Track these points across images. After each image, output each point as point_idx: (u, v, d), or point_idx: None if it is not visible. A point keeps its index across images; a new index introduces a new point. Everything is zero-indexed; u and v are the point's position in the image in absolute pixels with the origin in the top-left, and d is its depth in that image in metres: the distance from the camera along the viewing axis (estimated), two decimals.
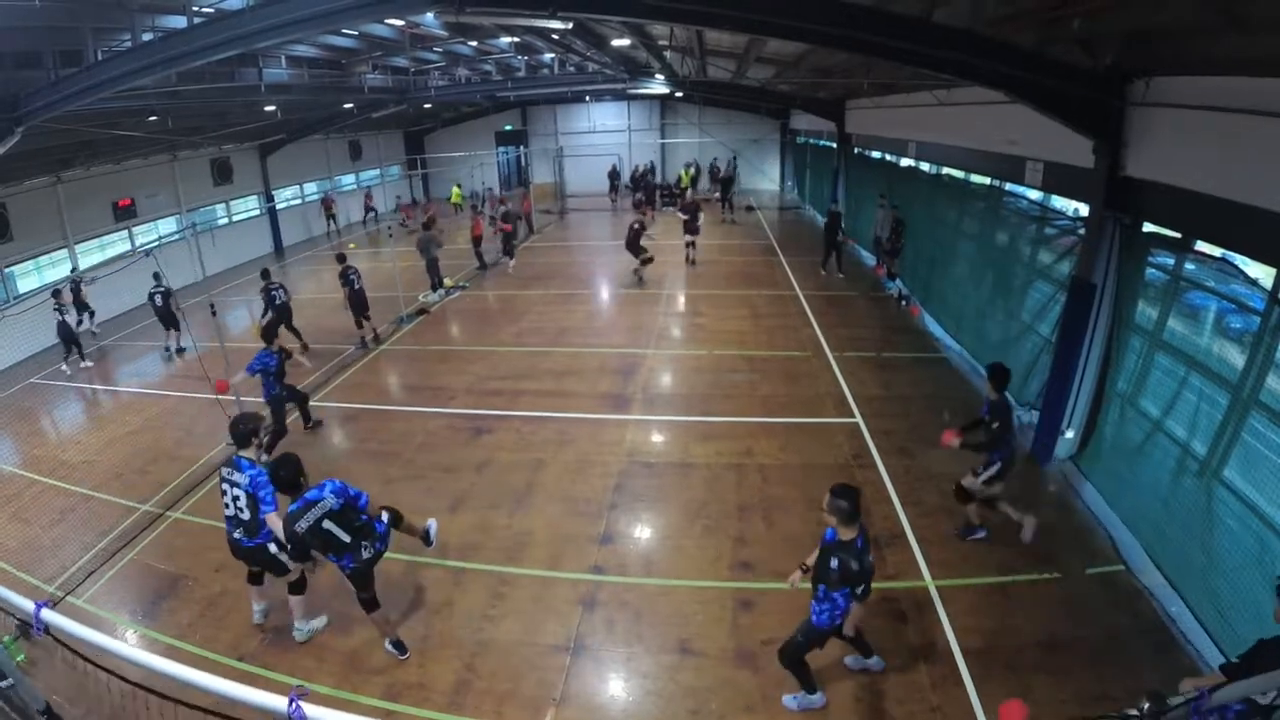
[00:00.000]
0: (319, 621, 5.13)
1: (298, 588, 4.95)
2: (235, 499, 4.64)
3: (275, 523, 4.60)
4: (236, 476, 4.59)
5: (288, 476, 4.23)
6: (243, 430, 4.65)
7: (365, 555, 4.45)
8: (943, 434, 5.55)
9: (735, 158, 25.80)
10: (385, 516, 4.67)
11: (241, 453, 4.65)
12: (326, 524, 4.22)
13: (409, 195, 28.62)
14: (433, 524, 5.20)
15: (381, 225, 24.40)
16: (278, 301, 10.80)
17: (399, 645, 4.81)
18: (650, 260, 14.49)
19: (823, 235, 14.79)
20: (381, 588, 5.49)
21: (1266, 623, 3.92)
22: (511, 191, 28.08)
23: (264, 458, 4.94)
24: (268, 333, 8.35)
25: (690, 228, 15.63)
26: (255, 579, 5.13)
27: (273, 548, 4.71)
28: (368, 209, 25.07)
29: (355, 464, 7.66)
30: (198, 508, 6.86)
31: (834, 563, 3.71)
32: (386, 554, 5.89)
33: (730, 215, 22.00)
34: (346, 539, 4.31)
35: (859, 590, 3.73)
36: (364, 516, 4.40)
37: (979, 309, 9.15)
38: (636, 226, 14.35)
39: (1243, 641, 4.05)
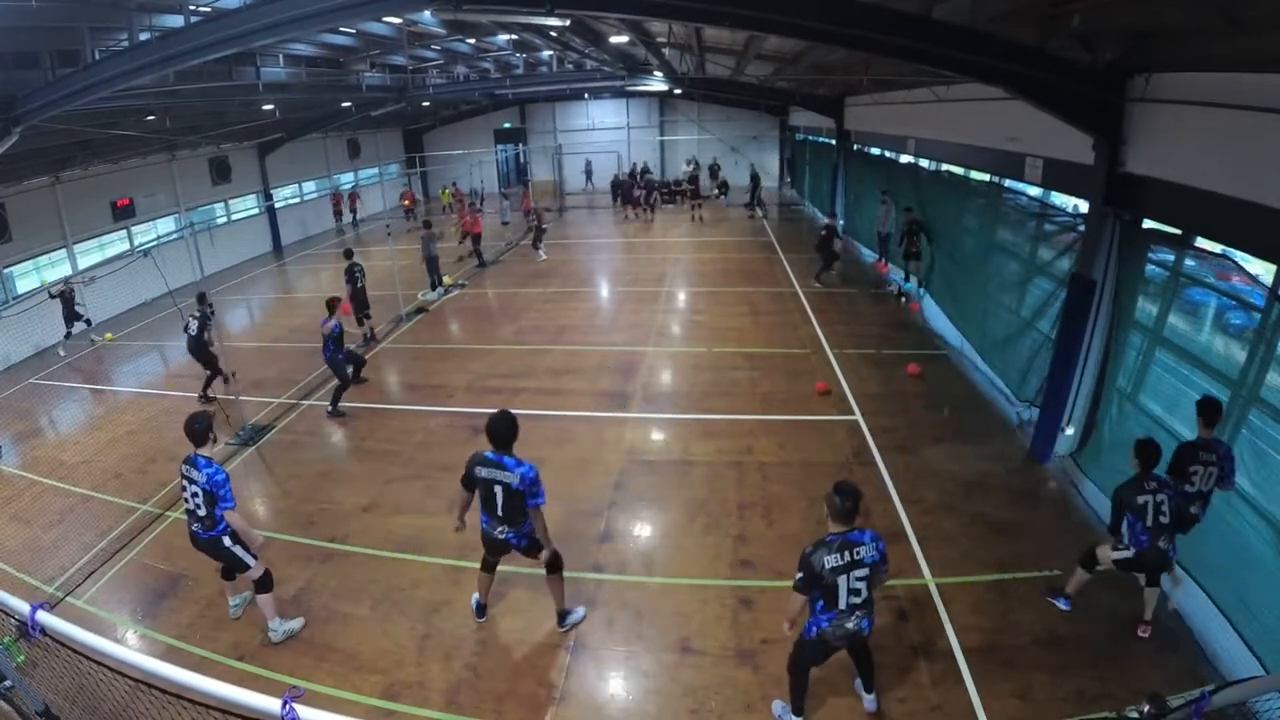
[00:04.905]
0: (295, 623, 5.12)
1: (264, 585, 4.96)
2: (193, 495, 4.70)
3: (235, 519, 4.70)
4: (194, 474, 4.65)
5: (502, 431, 4.46)
6: (197, 429, 4.69)
7: (498, 534, 4.61)
8: None
9: (752, 164, 26.13)
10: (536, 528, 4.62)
11: (199, 451, 4.70)
12: (496, 489, 4.46)
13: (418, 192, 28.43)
14: (579, 610, 5.14)
15: (366, 229, 23.55)
16: (185, 331, 9.35)
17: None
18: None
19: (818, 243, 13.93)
20: (385, 590, 5.52)
21: None
22: (511, 190, 28.07)
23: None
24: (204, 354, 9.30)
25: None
26: (227, 574, 5.16)
27: (227, 540, 4.76)
28: (339, 213, 24.11)
29: (354, 463, 7.67)
30: None
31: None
32: (385, 553, 5.95)
33: (760, 212, 22.18)
34: (500, 513, 4.52)
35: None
36: (527, 516, 4.51)
37: (981, 305, 9.14)
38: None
39: (1269, 634, 4.06)
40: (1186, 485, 4.49)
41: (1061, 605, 4.90)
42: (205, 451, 4.71)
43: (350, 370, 9.06)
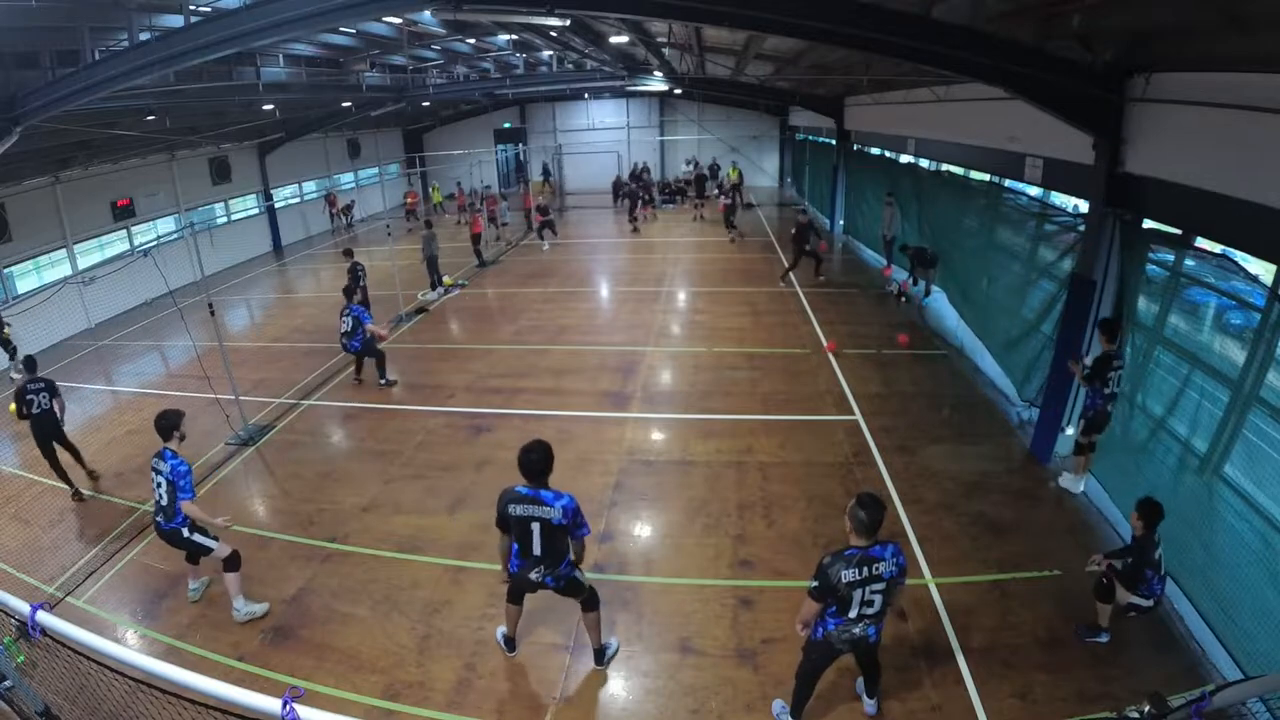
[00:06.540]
0: (259, 607, 5.28)
1: (231, 564, 5.17)
2: (158, 485, 4.99)
3: (191, 509, 4.95)
4: (161, 466, 4.96)
5: (538, 462, 4.02)
6: (164, 425, 5.04)
7: (533, 577, 4.23)
8: None
9: (735, 165, 25.79)
10: (579, 572, 4.40)
11: (165, 445, 5.01)
12: (534, 526, 4.06)
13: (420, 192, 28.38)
14: (613, 641, 4.86)
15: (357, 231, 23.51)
16: (36, 409, 6.95)
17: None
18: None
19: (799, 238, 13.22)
20: (385, 590, 5.52)
21: (1271, 618, 3.92)
22: (510, 189, 28.04)
23: None
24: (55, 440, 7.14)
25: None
26: (191, 559, 5.39)
27: (186, 531, 5.06)
28: (335, 213, 23.84)
29: (355, 463, 7.67)
30: None
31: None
32: (385, 553, 5.94)
33: (735, 234, 19.94)
34: (537, 552, 4.13)
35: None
36: (568, 550, 4.20)
37: (983, 306, 9.13)
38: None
39: (1249, 638, 4.05)
40: (1105, 389, 5.75)
41: (1102, 639, 4.70)
42: (172, 446, 5.00)
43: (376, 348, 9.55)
